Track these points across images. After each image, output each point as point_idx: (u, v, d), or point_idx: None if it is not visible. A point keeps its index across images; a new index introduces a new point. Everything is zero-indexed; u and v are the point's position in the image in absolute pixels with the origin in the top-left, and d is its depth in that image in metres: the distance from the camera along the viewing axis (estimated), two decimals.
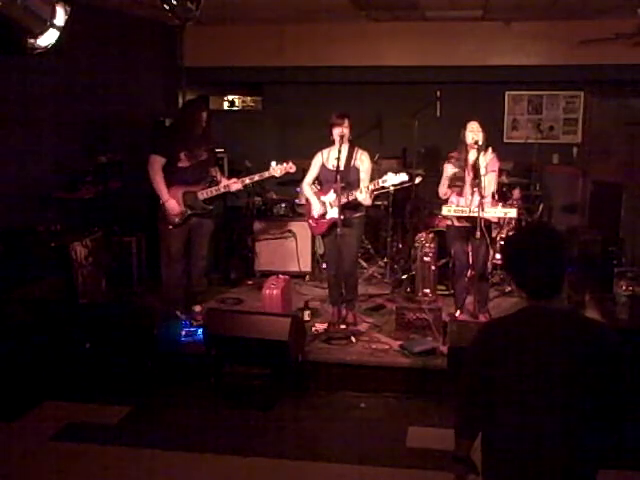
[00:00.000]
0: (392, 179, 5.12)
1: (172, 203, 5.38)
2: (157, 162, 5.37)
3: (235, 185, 5.57)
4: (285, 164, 5.51)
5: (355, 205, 5.26)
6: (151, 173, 5.37)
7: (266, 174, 5.55)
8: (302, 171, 5.56)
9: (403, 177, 5.14)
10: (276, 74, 8.15)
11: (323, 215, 5.36)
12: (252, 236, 6.93)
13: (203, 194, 5.46)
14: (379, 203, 6.84)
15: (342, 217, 5.09)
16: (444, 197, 5.45)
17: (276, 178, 5.68)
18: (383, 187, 5.31)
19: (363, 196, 5.12)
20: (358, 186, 5.19)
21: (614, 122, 7.79)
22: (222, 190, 5.55)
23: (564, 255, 2.15)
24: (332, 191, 5.23)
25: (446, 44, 7.63)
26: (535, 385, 2.07)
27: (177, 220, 5.43)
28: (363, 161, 5.30)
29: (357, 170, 5.27)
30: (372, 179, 5.24)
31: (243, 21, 7.65)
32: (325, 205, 5.34)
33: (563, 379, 2.04)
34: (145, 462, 3.98)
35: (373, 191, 5.23)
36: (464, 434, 2.34)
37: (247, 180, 5.60)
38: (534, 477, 2.09)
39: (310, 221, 5.52)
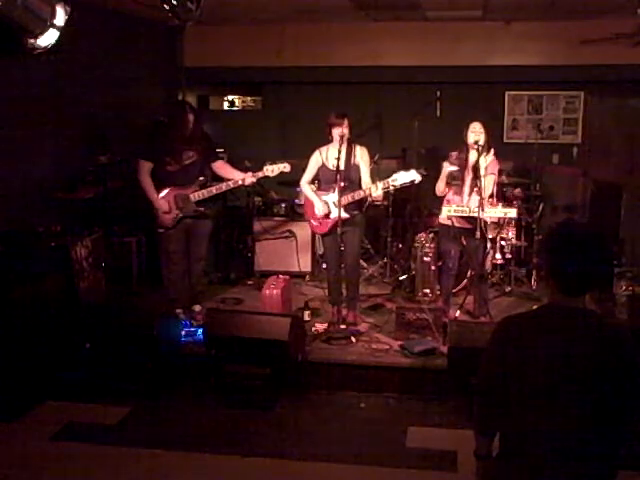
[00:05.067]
0: (402, 178, 5.01)
1: (162, 202, 5.41)
2: (143, 166, 5.43)
3: (248, 179, 5.50)
4: (279, 164, 5.48)
5: (357, 203, 5.27)
6: (139, 178, 5.45)
7: (260, 174, 5.51)
8: (302, 171, 5.55)
9: (414, 175, 4.99)
10: (276, 74, 8.14)
11: (327, 214, 5.36)
12: (252, 236, 6.92)
13: (195, 196, 5.46)
14: (379, 203, 6.85)
15: (347, 216, 5.11)
16: (440, 194, 5.44)
17: (269, 178, 5.65)
18: (394, 186, 5.12)
19: (379, 192, 5.11)
20: (360, 184, 5.19)
21: (614, 122, 7.78)
22: (215, 192, 5.49)
23: (600, 258, 2.12)
24: (336, 191, 5.20)
25: (446, 44, 7.62)
26: (549, 384, 2.07)
27: (169, 222, 5.44)
28: (363, 157, 5.31)
29: (357, 167, 5.29)
30: (371, 176, 5.25)
31: (243, 21, 7.64)
32: (328, 204, 5.33)
33: (576, 380, 2.04)
34: (145, 462, 3.99)
35: (384, 189, 5.21)
36: (483, 432, 2.36)
37: (259, 174, 5.53)
38: (548, 476, 2.10)
39: (312, 220, 5.51)
